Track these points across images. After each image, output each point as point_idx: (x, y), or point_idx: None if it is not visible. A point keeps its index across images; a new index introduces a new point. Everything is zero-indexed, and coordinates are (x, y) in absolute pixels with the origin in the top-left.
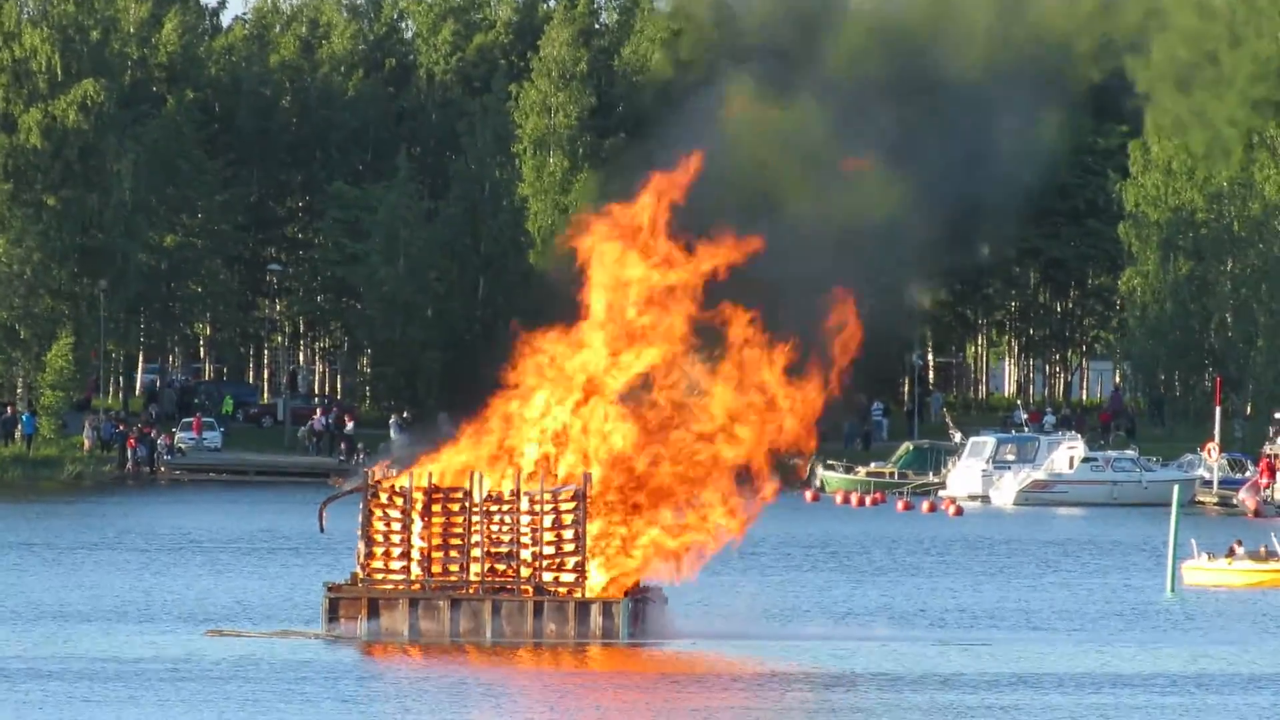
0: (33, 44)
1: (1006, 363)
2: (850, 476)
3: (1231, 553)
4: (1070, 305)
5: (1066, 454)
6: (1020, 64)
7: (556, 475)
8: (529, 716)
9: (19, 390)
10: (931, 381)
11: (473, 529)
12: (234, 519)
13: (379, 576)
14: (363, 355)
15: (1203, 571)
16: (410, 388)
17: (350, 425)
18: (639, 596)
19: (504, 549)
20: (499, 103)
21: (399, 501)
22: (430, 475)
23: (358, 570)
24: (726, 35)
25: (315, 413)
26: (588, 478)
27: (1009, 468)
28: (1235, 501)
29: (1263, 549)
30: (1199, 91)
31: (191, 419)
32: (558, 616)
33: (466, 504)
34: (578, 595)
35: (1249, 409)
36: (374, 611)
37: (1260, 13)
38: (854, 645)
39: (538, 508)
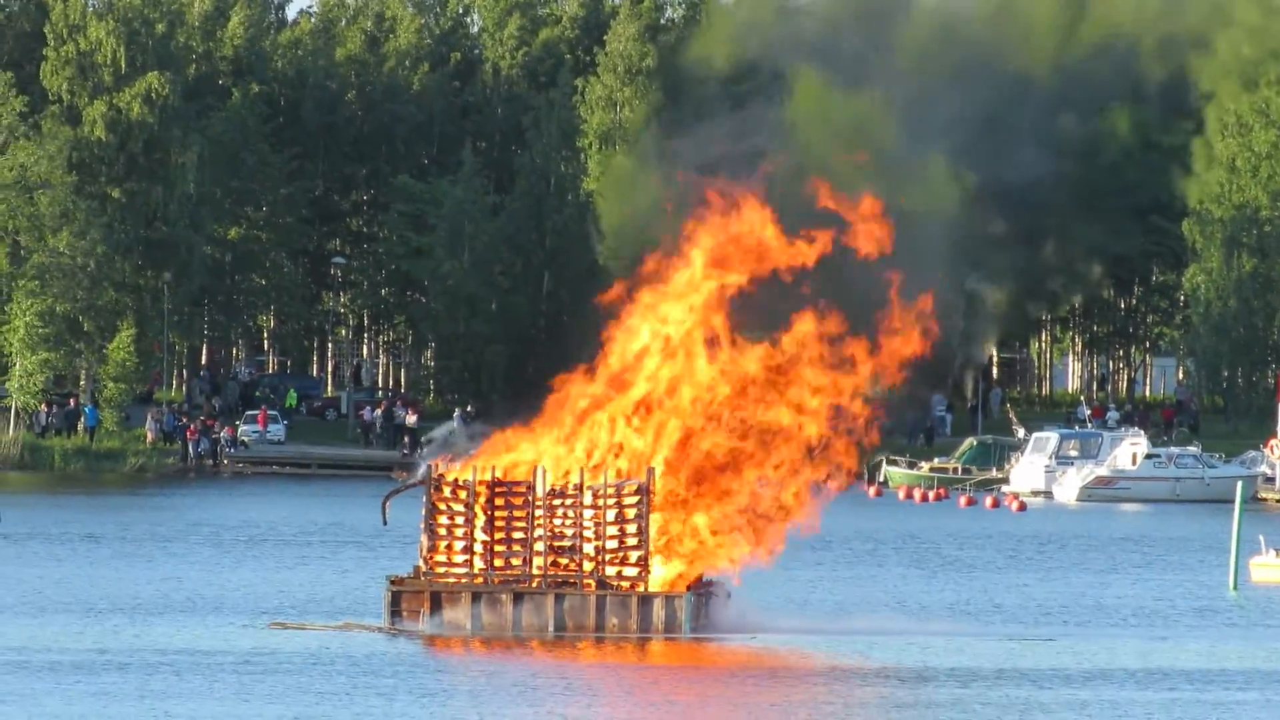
0: (98, 36)
1: (1070, 359)
2: (914, 472)
3: None
4: (1134, 302)
5: (1129, 450)
6: (1086, 60)
7: (620, 469)
8: (600, 710)
9: (82, 382)
10: (995, 377)
11: (535, 523)
12: (297, 512)
13: (441, 570)
14: (427, 349)
15: (1271, 568)
16: (474, 382)
17: (414, 418)
18: (702, 591)
19: (567, 543)
20: (564, 97)
21: (462, 495)
22: (494, 469)
23: (420, 564)
24: (791, 30)
25: (379, 406)
26: (651, 472)
27: (1072, 464)
28: None
29: None
30: (1264, 89)
31: (256, 412)
32: (620, 611)
33: (529, 498)
34: (640, 589)
35: None
36: (436, 605)
37: None
38: (921, 640)
39: (601, 502)
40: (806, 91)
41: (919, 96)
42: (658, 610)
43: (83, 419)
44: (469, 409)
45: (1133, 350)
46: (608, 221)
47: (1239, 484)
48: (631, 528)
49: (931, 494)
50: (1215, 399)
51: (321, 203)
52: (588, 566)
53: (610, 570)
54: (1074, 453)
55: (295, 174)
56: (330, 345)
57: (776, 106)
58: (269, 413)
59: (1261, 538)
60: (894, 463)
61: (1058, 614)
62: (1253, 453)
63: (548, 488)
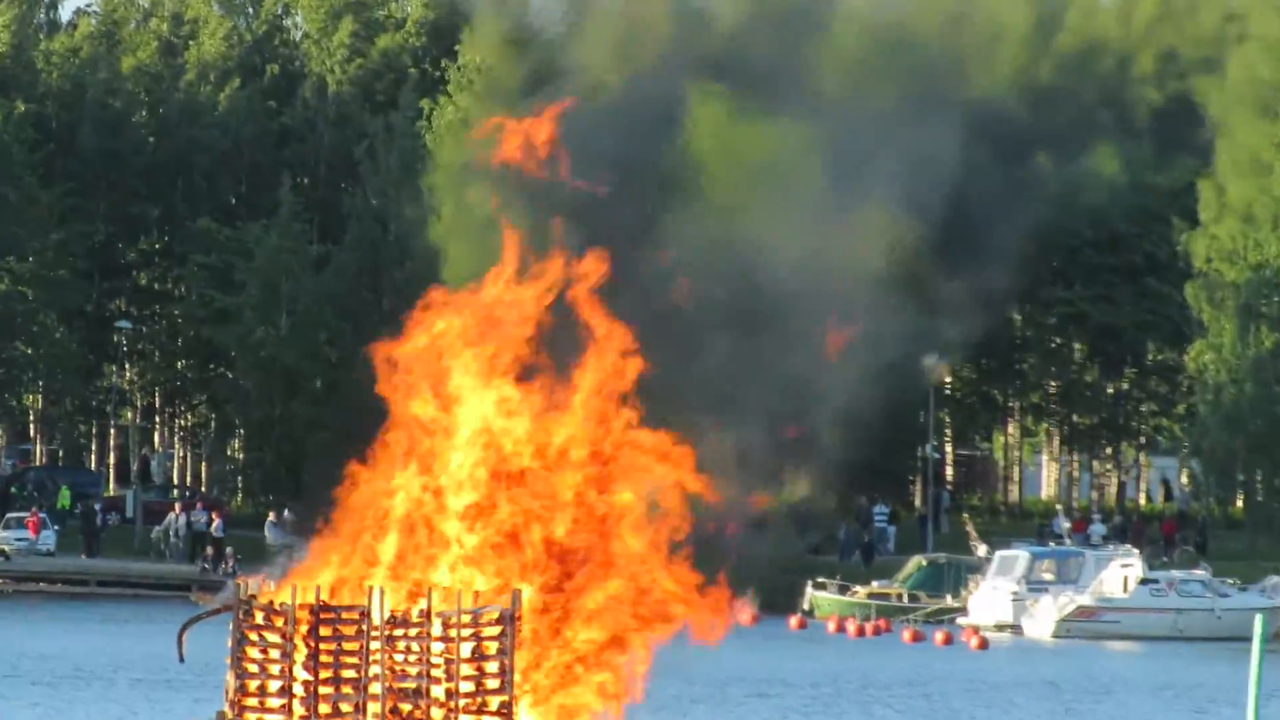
0: None
1: (1044, 457)
2: (846, 598)
3: None
4: (1125, 386)
5: (1119, 573)
6: (1062, 82)
7: (475, 592)
8: None
9: None
10: (950, 480)
11: (371, 659)
12: (72, 641)
13: (252, 717)
14: (234, 437)
15: None
16: (293, 478)
17: (217, 524)
18: None
19: (410, 684)
20: (408, 122)
21: (278, 623)
22: (318, 590)
23: (226, 709)
24: (689, 40)
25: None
26: (517, 595)
27: (1046, 590)
28: None
29: None
30: None
31: (24, 514)
32: None
33: (364, 626)
34: None
35: None
36: None
37: None
38: None
39: (453, 633)
40: (707, 117)
41: (850, 124)
42: None
43: None
44: (286, 513)
45: (1123, 447)
46: (457, 277)
47: (1258, 617)
48: (492, 665)
49: (869, 626)
50: (1227, 509)
51: (103, 252)
52: (437, 714)
53: (465, 718)
54: (1049, 576)
55: (69, 215)
56: (113, 432)
57: (672, 135)
58: (39, 516)
59: None
60: (822, 586)
61: None
62: (1275, 578)
63: (387, 614)
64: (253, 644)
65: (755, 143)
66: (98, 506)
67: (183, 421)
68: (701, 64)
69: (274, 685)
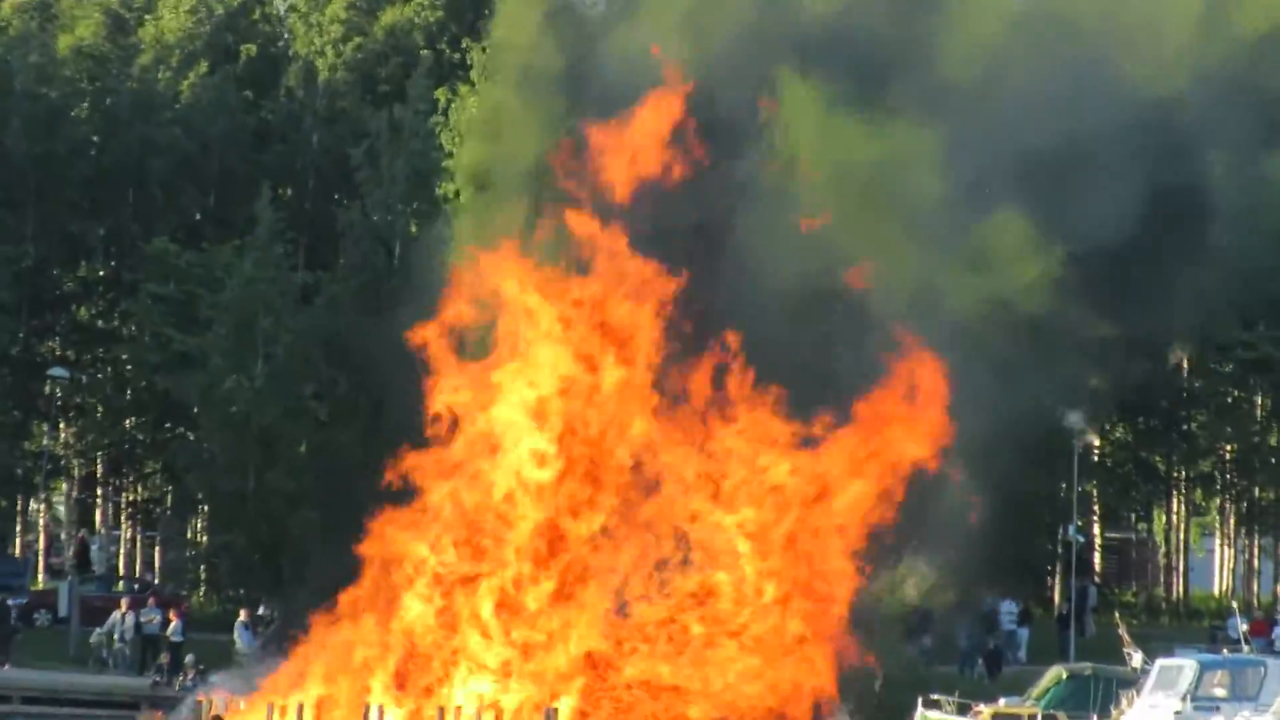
0: None
1: (1217, 542)
2: (968, 719)
3: None
4: None
5: None
6: (1241, 71)
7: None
8: None
9: None
10: (1098, 570)
11: None
12: None
13: None
14: (196, 515)
15: None
16: (270, 566)
17: (175, 626)
18: None
19: None
20: (419, 118)
21: None
22: (301, 708)
23: None
24: (779, 21)
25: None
26: (553, 714)
27: (1218, 708)
28: None
29: None
30: None
31: None
32: None
33: None
34: None
35: None
36: None
37: None
38: None
39: None
40: (799, 111)
41: (979, 121)
42: None
43: None
44: (261, 611)
45: None
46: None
47: None
48: None
49: None
50: None
51: (32, 280)
52: None
53: None
54: (1221, 690)
55: None
56: (42, 508)
57: (754, 138)
58: None
59: None
60: (935, 704)
61: None
62: None
63: None
64: None
65: (860, 143)
66: (12, 601)
67: (131, 495)
68: (791, 46)
69: None
